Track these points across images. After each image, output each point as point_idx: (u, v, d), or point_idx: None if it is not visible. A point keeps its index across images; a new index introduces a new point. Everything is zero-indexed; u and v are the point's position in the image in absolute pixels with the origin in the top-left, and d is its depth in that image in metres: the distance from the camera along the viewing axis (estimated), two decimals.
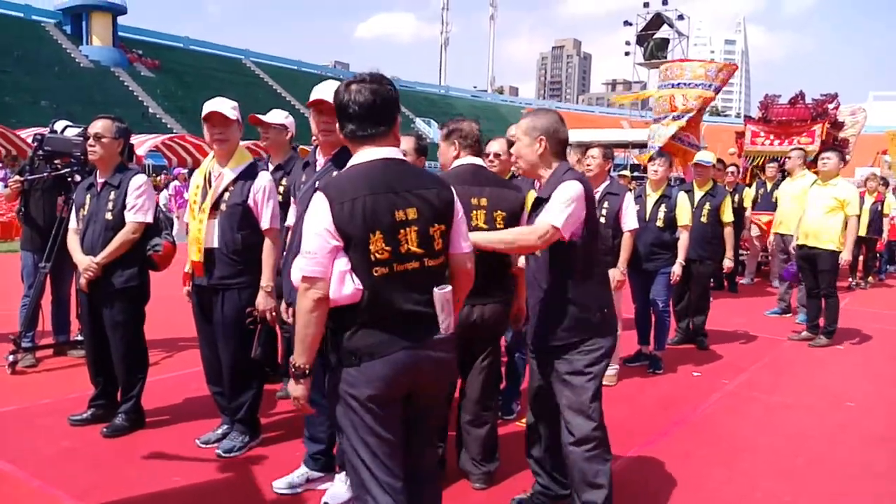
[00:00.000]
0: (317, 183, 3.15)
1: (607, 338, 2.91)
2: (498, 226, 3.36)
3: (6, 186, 5.36)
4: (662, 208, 5.79)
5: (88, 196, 4.05)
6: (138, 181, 4.00)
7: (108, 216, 3.94)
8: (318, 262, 2.14)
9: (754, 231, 10.11)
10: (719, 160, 8.63)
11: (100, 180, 4.03)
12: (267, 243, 3.68)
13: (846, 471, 3.92)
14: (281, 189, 4.19)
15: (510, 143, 4.23)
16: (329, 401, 2.32)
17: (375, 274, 2.17)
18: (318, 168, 3.25)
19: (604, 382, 5.09)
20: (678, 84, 12.61)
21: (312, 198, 2.21)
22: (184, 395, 4.71)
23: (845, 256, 6.69)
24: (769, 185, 9.82)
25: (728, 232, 6.79)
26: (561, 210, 2.73)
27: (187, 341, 5.58)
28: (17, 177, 5.42)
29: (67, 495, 3.28)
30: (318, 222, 2.15)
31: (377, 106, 2.25)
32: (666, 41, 49.90)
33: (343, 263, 2.16)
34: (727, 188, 8.42)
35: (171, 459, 3.71)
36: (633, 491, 3.50)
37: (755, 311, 8.52)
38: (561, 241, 2.76)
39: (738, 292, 9.90)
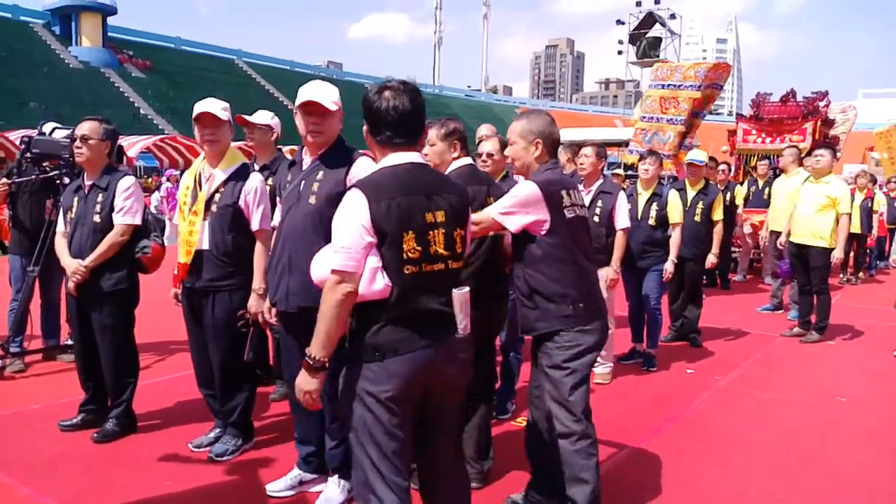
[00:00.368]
0: (302, 183, 3.15)
1: (588, 334, 2.92)
2: None
3: None
4: (654, 207, 5.81)
5: (76, 199, 4.01)
6: (126, 183, 3.97)
7: (97, 219, 3.91)
8: (352, 257, 2.18)
9: (746, 228, 10.13)
10: (711, 158, 8.65)
11: (87, 182, 3.99)
12: (258, 245, 3.65)
13: (839, 467, 3.93)
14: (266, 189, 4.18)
15: (502, 143, 4.24)
16: (342, 397, 2.35)
17: (406, 272, 2.24)
18: (304, 167, 3.23)
19: (598, 381, 5.18)
20: (667, 85, 12.65)
21: (347, 194, 2.27)
22: (175, 398, 4.68)
23: (837, 255, 6.71)
24: (761, 183, 9.85)
25: (717, 229, 6.81)
26: (503, 205, 2.90)
27: (178, 344, 5.55)
28: (4, 179, 5.37)
29: (58, 502, 3.25)
30: (356, 218, 2.20)
31: (413, 114, 2.35)
32: (658, 40, 49.89)
33: (375, 260, 2.21)
34: (719, 186, 8.43)
35: (163, 464, 3.69)
36: (627, 488, 3.50)
37: (747, 308, 8.54)
38: (527, 235, 2.90)
39: (731, 289, 9.93)
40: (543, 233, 2.88)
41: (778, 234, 7.71)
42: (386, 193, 2.23)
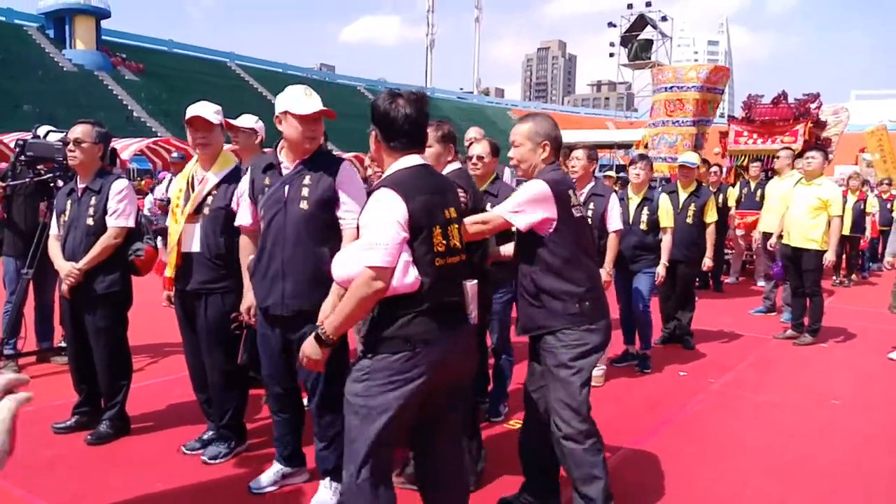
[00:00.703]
0: (286, 188, 3.15)
1: (594, 333, 2.95)
2: None
3: None
4: (645, 211, 5.83)
5: (69, 202, 4.01)
6: (119, 186, 3.97)
7: (90, 221, 3.91)
8: (390, 252, 2.27)
9: (739, 230, 10.17)
10: (703, 160, 8.68)
11: (80, 185, 3.99)
12: (242, 239, 3.64)
13: (835, 469, 3.94)
14: None
15: (493, 146, 4.26)
16: (351, 388, 2.41)
17: (437, 264, 2.38)
18: (284, 171, 3.23)
19: (592, 383, 5.17)
20: (671, 87, 12.73)
21: (378, 192, 2.36)
22: (168, 400, 4.67)
23: (829, 257, 6.74)
24: (753, 185, 9.90)
25: (710, 231, 6.83)
26: (513, 203, 2.93)
27: (172, 346, 5.54)
28: None
29: None
30: (392, 215, 2.30)
31: (423, 122, 2.52)
32: (650, 42, 50.16)
33: (406, 255, 2.32)
34: (711, 188, 8.47)
35: (157, 466, 3.68)
36: (624, 489, 3.50)
37: (740, 310, 8.57)
38: (534, 234, 2.91)
39: (724, 291, 9.96)
40: (551, 231, 2.90)
41: (771, 235, 7.75)
42: (416, 191, 2.36)
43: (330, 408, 3.12)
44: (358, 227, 2.45)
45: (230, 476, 3.60)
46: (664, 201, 5.95)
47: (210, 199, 3.64)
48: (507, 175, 5.20)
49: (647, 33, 50.22)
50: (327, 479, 3.29)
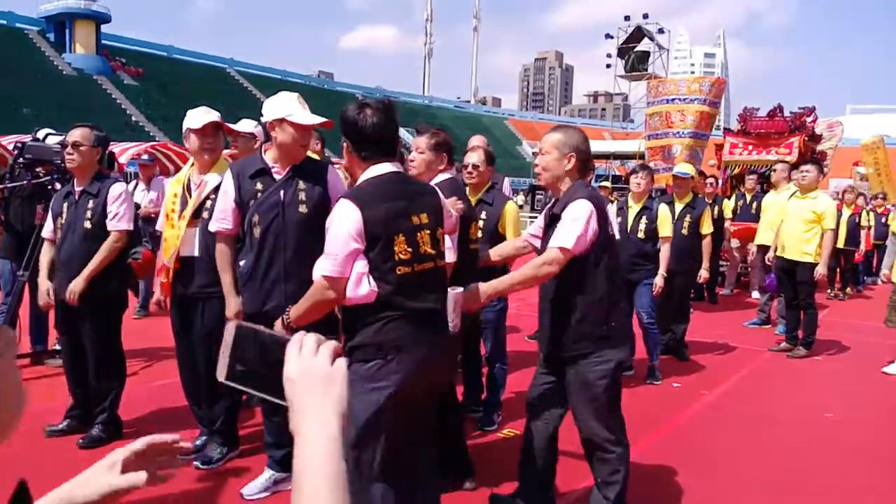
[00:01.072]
0: (281, 192, 3.19)
1: (619, 349, 2.98)
2: (479, 235, 3.69)
3: None
4: (644, 220, 5.84)
5: (66, 205, 4.01)
6: (117, 189, 3.97)
7: (87, 225, 3.91)
8: (339, 263, 2.34)
9: (734, 242, 10.20)
10: (699, 172, 8.72)
11: (77, 189, 3.99)
12: (220, 245, 3.64)
13: (828, 483, 3.94)
14: None
15: (488, 155, 4.28)
16: None
17: (399, 273, 2.38)
18: (276, 176, 3.25)
19: None
20: (672, 99, 12.78)
21: (337, 205, 2.42)
22: (161, 404, 4.66)
23: (820, 270, 6.75)
24: (749, 197, 9.93)
25: (706, 243, 6.85)
26: (568, 231, 2.84)
27: (165, 351, 5.52)
28: None
29: None
30: (344, 227, 2.35)
31: (392, 130, 2.55)
32: (647, 54, 50.32)
33: (361, 266, 2.35)
34: (707, 199, 8.50)
35: None
36: None
37: (735, 322, 8.58)
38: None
39: (718, 303, 9.97)
40: (586, 251, 2.88)
41: (766, 248, 7.78)
42: (376, 201, 2.39)
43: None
44: None
45: (222, 482, 3.59)
46: (664, 211, 5.96)
47: (209, 203, 3.64)
48: (506, 185, 5.22)
49: (644, 45, 50.39)
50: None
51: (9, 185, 5.25)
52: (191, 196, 3.66)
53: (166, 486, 3.60)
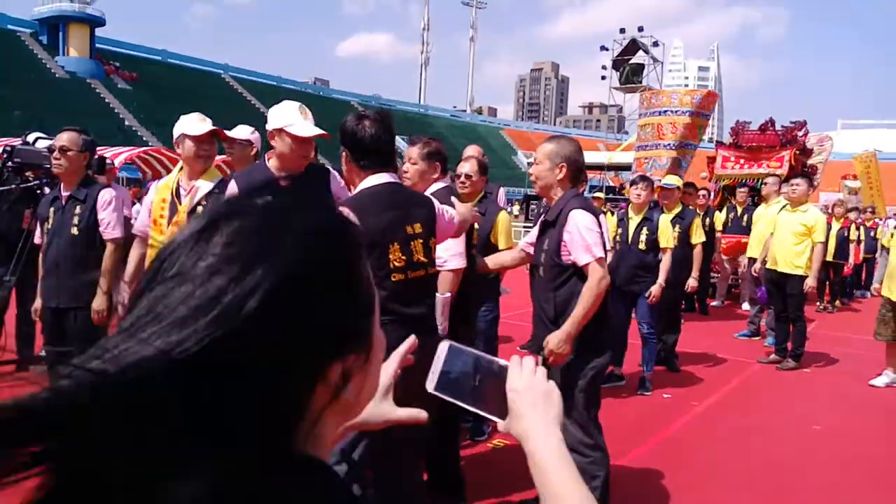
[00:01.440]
0: None
1: (603, 356, 3.11)
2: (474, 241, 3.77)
3: None
4: (645, 231, 5.85)
5: (52, 210, 3.98)
6: (107, 195, 3.95)
7: (74, 231, 3.88)
8: None
9: (725, 256, 10.23)
10: (690, 184, 8.76)
11: (64, 194, 3.96)
12: None
13: (815, 495, 3.95)
14: None
15: (481, 165, 4.29)
16: None
17: (394, 280, 2.48)
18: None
19: None
20: (665, 111, 12.84)
21: None
22: None
23: (810, 283, 6.79)
24: (739, 210, 9.98)
25: (696, 252, 6.88)
26: (591, 242, 3.01)
27: None
28: None
29: None
30: None
31: (389, 141, 2.62)
32: (641, 66, 50.63)
33: None
34: (698, 211, 8.52)
35: None
36: None
37: (725, 334, 8.60)
38: (558, 263, 3.04)
39: (709, 315, 10.00)
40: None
41: (756, 260, 7.81)
42: (371, 210, 2.45)
43: None
44: None
45: None
46: (664, 222, 5.98)
47: (200, 209, 3.62)
48: (501, 194, 5.24)
49: (639, 58, 50.72)
50: None
51: None
52: (180, 202, 3.63)
53: None
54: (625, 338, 5.90)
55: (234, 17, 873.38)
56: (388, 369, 1.23)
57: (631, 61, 50.30)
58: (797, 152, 11.09)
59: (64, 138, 3.93)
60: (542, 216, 3.25)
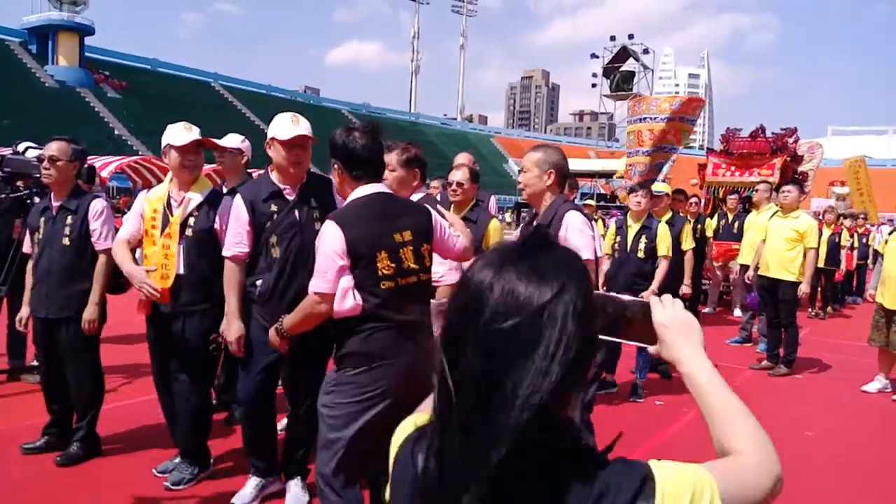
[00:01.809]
0: (296, 212, 3.27)
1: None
2: None
3: None
4: (643, 239, 5.85)
5: (43, 220, 3.94)
6: (98, 206, 3.92)
7: (66, 241, 3.85)
8: (328, 280, 2.51)
9: (716, 262, 10.27)
10: (681, 191, 8.78)
11: (55, 204, 3.92)
12: (232, 268, 3.61)
13: (809, 499, 3.94)
14: None
15: (472, 173, 4.30)
16: (321, 399, 2.64)
17: (383, 287, 2.53)
18: (288, 197, 3.30)
19: None
20: (644, 119, 12.92)
21: (324, 226, 2.58)
22: (141, 421, 4.59)
23: (804, 289, 6.82)
24: (730, 217, 10.02)
25: (687, 258, 6.89)
26: (582, 244, 3.16)
27: (145, 367, 5.44)
28: None
29: None
30: (329, 246, 2.51)
31: (379, 152, 2.71)
32: (632, 74, 50.93)
33: (347, 281, 2.51)
34: (689, 218, 8.55)
35: (127, 488, 3.61)
36: None
37: (717, 340, 8.61)
38: None
39: (701, 321, 9.98)
40: None
41: (748, 267, 7.84)
42: (359, 220, 2.54)
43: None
44: None
45: (199, 498, 3.55)
46: (663, 230, 5.98)
47: (192, 220, 3.60)
48: (492, 202, 5.25)
49: (630, 65, 51.02)
50: (297, 478, 3.48)
51: None
52: (171, 213, 3.61)
53: (146, 501, 3.52)
54: (618, 344, 5.89)
55: (224, 26, 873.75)
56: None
57: (621, 69, 50.61)
58: (788, 159, 11.15)
59: (53, 148, 3.89)
60: (529, 223, 3.33)
